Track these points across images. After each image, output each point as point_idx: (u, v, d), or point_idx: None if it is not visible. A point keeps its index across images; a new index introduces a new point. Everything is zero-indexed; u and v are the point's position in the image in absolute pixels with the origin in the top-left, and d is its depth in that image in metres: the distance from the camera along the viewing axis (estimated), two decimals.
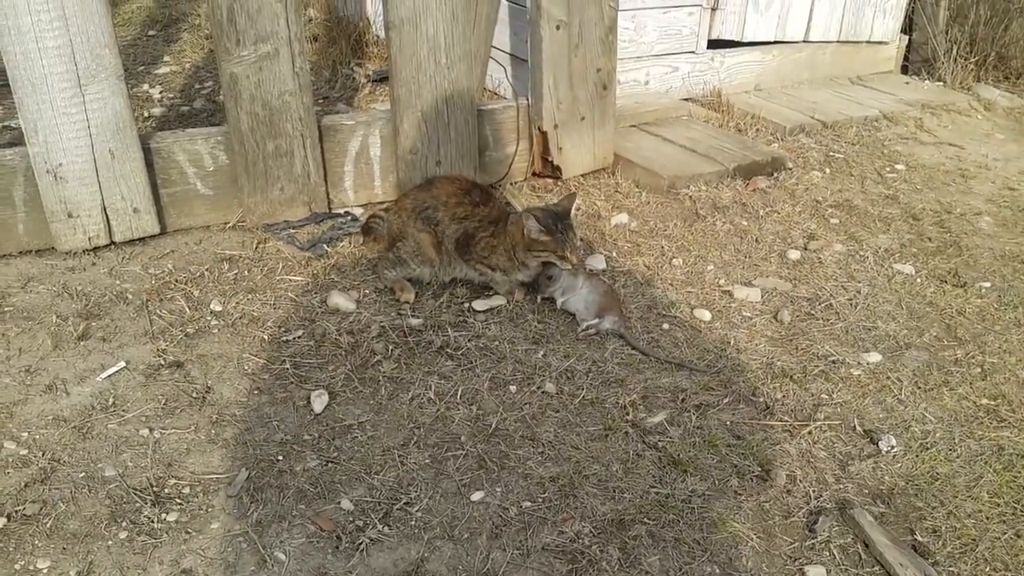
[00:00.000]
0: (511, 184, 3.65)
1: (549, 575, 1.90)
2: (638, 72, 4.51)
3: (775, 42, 4.95)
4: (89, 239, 2.95)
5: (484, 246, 2.81)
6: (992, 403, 2.52)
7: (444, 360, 2.57)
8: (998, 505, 2.16)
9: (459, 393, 2.43)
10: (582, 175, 3.76)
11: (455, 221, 2.82)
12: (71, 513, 1.98)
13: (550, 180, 3.72)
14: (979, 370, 2.66)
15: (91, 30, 2.72)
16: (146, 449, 2.17)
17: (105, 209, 2.93)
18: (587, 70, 3.52)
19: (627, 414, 2.38)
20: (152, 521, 1.97)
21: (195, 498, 2.04)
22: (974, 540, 2.05)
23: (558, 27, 3.36)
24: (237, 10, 2.84)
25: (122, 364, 2.45)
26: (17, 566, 1.84)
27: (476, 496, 2.09)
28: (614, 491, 2.12)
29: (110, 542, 1.91)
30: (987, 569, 1.98)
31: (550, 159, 3.63)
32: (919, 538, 2.05)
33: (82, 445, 2.17)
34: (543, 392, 2.46)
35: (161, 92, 4.61)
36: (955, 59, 5.38)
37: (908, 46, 5.63)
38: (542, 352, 2.63)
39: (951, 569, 1.97)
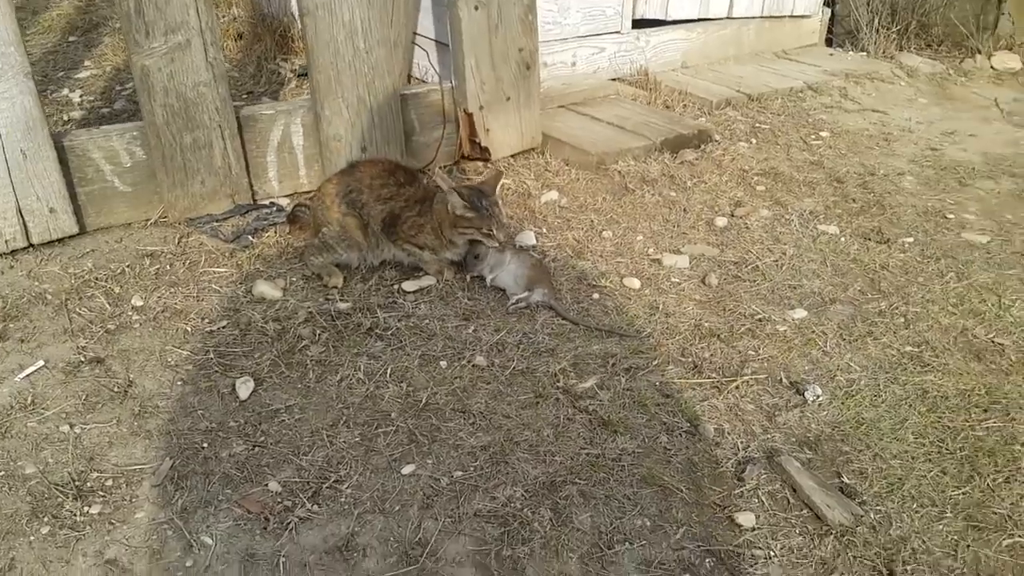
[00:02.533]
0: (440, 168, 3.63)
1: (482, 539, 1.89)
2: (564, 54, 4.52)
3: (699, 20, 5.00)
4: (6, 242, 2.87)
5: (411, 225, 2.79)
6: (916, 350, 2.57)
7: (374, 341, 2.55)
8: (923, 445, 2.20)
9: (389, 372, 2.41)
10: (511, 156, 3.76)
11: (380, 202, 2.80)
12: None
13: (480, 163, 3.72)
14: (902, 320, 2.71)
15: None
16: (67, 445, 2.12)
17: (20, 211, 2.86)
18: (508, 50, 3.52)
19: (557, 381, 2.39)
20: (74, 515, 1.92)
21: (118, 490, 2.00)
22: (900, 479, 2.09)
23: (476, 7, 3.35)
24: (145, 1, 2.79)
25: (41, 363, 2.39)
26: None
27: (407, 469, 2.08)
28: (545, 455, 2.12)
29: (32, 538, 1.87)
30: (914, 506, 2.01)
31: (478, 141, 3.63)
32: (846, 480, 2.08)
33: (1, 444, 2.11)
34: (473, 365, 2.45)
35: (81, 95, 4.51)
36: (877, 29, 5.49)
37: (831, 19, 5.73)
38: (472, 328, 2.63)
39: (878, 508, 2.00)
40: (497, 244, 2.73)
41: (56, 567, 1.81)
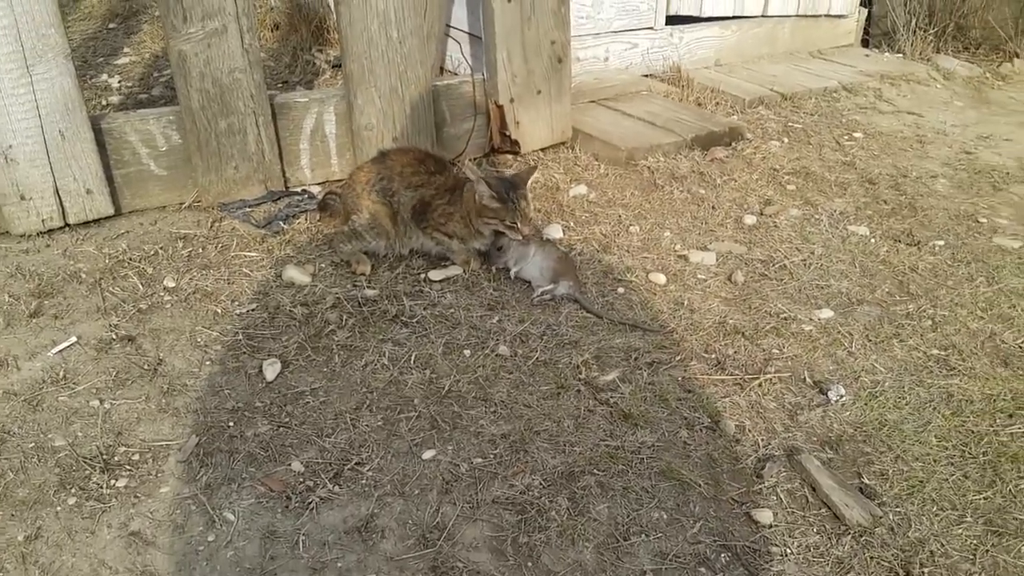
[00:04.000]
0: (470, 160, 3.65)
1: (499, 526, 1.91)
2: (597, 49, 4.52)
3: (734, 17, 4.98)
4: (43, 221, 2.93)
5: (440, 213, 2.81)
6: (942, 353, 2.55)
7: (399, 328, 2.58)
8: (946, 448, 2.19)
9: (413, 358, 2.44)
10: (541, 149, 3.77)
11: (410, 189, 2.83)
12: (20, 481, 1.97)
13: (509, 156, 3.73)
14: (930, 322, 2.69)
15: (36, 10, 2.71)
16: (96, 419, 2.17)
17: (58, 191, 2.92)
18: (541, 42, 3.53)
19: (580, 373, 2.40)
20: (101, 487, 1.97)
21: (144, 464, 2.04)
22: (921, 482, 2.08)
23: None
24: None
25: (73, 339, 2.45)
26: None
27: (427, 454, 2.10)
28: (564, 445, 2.14)
29: (59, 508, 1.91)
30: (934, 508, 2.00)
31: (508, 134, 3.64)
32: (866, 481, 2.08)
33: (32, 417, 2.17)
34: (497, 355, 2.47)
35: (120, 81, 4.59)
36: (915, 31, 5.44)
37: (868, 19, 5.68)
38: (497, 318, 2.64)
39: (897, 509, 2.00)
40: (520, 237, 2.74)
41: (81, 537, 1.85)
